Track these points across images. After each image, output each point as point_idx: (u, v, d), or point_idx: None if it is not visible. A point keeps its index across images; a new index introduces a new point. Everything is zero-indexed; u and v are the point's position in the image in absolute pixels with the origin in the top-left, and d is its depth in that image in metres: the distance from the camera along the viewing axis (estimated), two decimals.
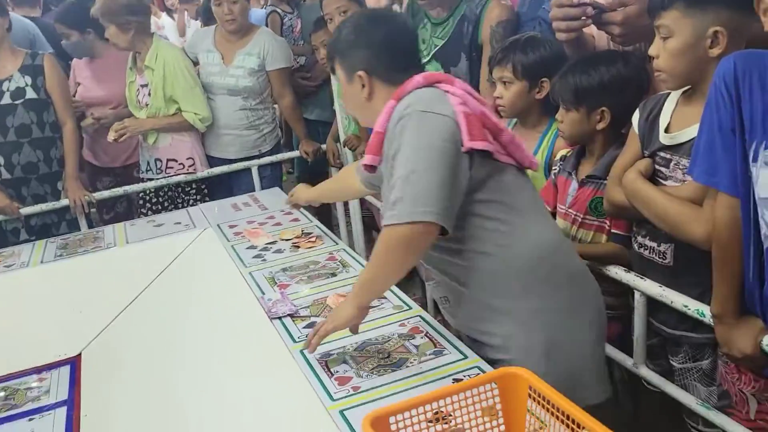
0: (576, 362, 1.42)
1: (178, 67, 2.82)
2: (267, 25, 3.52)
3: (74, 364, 1.83)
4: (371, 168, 1.48)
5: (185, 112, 2.86)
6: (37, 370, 1.81)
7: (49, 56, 2.80)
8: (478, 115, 1.38)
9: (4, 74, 2.68)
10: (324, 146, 3.13)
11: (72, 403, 1.64)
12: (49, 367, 1.82)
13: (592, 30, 1.63)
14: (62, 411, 1.61)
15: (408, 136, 1.33)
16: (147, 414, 1.54)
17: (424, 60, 2.34)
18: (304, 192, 2.13)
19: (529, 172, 1.97)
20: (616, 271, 1.64)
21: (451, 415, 1.10)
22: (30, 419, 1.59)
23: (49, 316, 1.96)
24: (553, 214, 1.86)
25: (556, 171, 1.88)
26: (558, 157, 1.89)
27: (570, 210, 1.79)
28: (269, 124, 3.05)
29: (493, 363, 1.39)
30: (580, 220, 1.76)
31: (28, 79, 2.69)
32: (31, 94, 2.69)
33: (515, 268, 1.40)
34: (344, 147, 2.96)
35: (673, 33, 1.38)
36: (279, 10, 3.65)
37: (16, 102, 2.68)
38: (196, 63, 3.00)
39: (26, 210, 2.68)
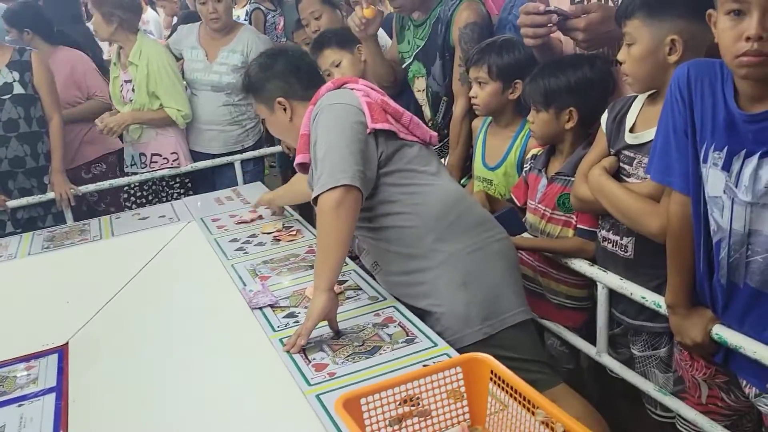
0: (491, 290, 1.62)
1: (161, 64, 2.86)
2: (250, 22, 3.57)
3: (62, 352, 1.88)
4: (304, 167, 1.71)
5: (167, 107, 2.90)
6: (26, 358, 1.87)
7: (36, 52, 2.84)
8: (379, 102, 1.65)
9: None
10: None
11: (60, 389, 1.70)
12: (38, 355, 1.88)
13: (559, 35, 1.71)
14: (51, 397, 1.66)
15: (321, 125, 1.59)
16: (132, 400, 1.60)
17: (408, 61, 2.41)
18: (265, 195, 2.39)
19: (501, 170, 2.06)
20: (581, 265, 1.73)
21: (419, 398, 1.17)
22: (20, 405, 1.64)
23: (37, 306, 2.01)
24: (524, 210, 1.95)
25: (527, 168, 1.96)
26: (530, 155, 1.98)
27: (539, 205, 1.87)
28: (252, 119, 3.10)
29: (424, 314, 1.60)
30: (548, 215, 1.85)
31: (16, 75, 2.73)
32: (18, 89, 2.73)
33: (427, 220, 1.62)
34: None
35: (636, 40, 1.47)
36: (262, 8, 3.71)
37: (4, 97, 2.71)
38: (180, 59, 3.05)
39: (12, 203, 2.72)
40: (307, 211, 3.42)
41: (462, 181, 2.29)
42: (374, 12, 2.29)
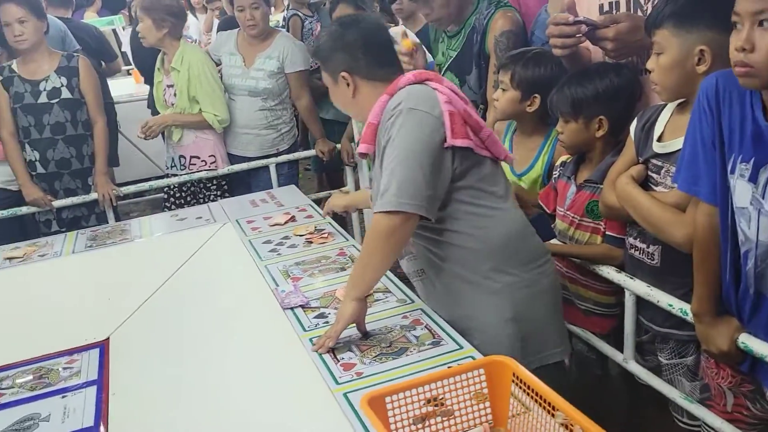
0: (537, 327, 1.60)
1: (201, 70, 2.96)
2: (288, 28, 3.65)
3: (103, 347, 1.96)
4: (365, 155, 1.67)
5: (205, 112, 2.99)
6: (69, 352, 1.95)
7: (83, 58, 2.96)
8: (461, 112, 1.54)
9: (41, 75, 2.84)
10: (339, 146, 3.25)
11: (101, 383, 1.77)
12: (80, 350, 1.96)
13: (588, 44, 1.73)
14: (92, 390, 1.74)
15: (397, 130, 1.49)
16: (168, 394, 1.67)
17: (442, 72, 2.45)
18: (338, 200, 2.26)
19: (528, 177, 2.08)
20: (608, 271, 1.74)
21: (442, 398, 1.21)
22: (63, 396, 1.72)
23: (80, 302, 2.10)
24: (553, 216, 1.97)
25: (556, 176, 1.98)
26: (558, 162, 1.99)
27: (568, 212, 1.89)
28: (287, 123, 3.18)
29: (466, 332, 1.57)
30: (577, 221, 1.86)
31: (64, 80, 2.85)
32: (66, 94, 2.85)
33: (489, 247, 1.58)
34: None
35: (664, 50, 1.48)
36: (300, 14, 3.78)
37: (52, 101, 2.83)
38: (219, 64, 3.14)
39: (58, 203, 2.84)
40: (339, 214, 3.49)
41: None
42: (414, 43, 2.32)
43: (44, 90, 2.84)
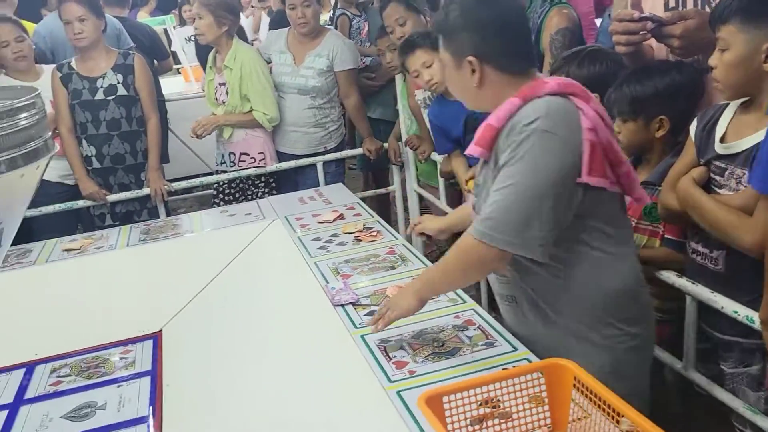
0: (632, 385, 1.42)
1: (253, 69, 2.98)
2: (336, 27, 3.66)
3: (156, 339, 2.00)
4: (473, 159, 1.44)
5: (255, 111, 3.02)
6: (124, 342, 1.99)
7: (139, 56, 3.02)
8: (604, 144, 1.32)
9: (98, 72, 2.91)
10: (386, 145, 3.24)
11: (154, 373, 1.81)
12: (134, 341, 2.00)
13: (651, 41, 1.68)
14: (146, 380, 1.77)
15: (525, 152, 1.27)
16: (220, 386, 1.69)
17: None
18: (433, 223, 1.96)
19: None
20: (669, 276, 1.69)
21: (499, 400, 1.19)
22: (118, 386, 1.76)
23: (134, 294, 2.14)
24: None
25: None
26: None
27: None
28: (335, 122, 3.19)
29: None
30: (634, 224, 1.81)
31: (120, 77, 2.91)
32: (122, 91, 2.91)
33: (602, 296, 1.40)
34: (405, 146, 3.06)
35: (730, 46, 1.42)
36: (348, 13, 3.79)
37: (109, 98, 2.90)
38: (269, 62, 3.16)
39: (113, 197, 2.91)
40: (385, 212, 3.49)
41: None
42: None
43: (101, 87, 2.91)
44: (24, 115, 1.23)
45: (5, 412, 1.66)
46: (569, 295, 1.41)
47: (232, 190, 3.16)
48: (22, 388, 1.78)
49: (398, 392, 1.36)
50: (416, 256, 2.03)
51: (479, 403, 1.17)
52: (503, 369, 1.39)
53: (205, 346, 1.90)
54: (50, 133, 1.32)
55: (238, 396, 1.63)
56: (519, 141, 1.29)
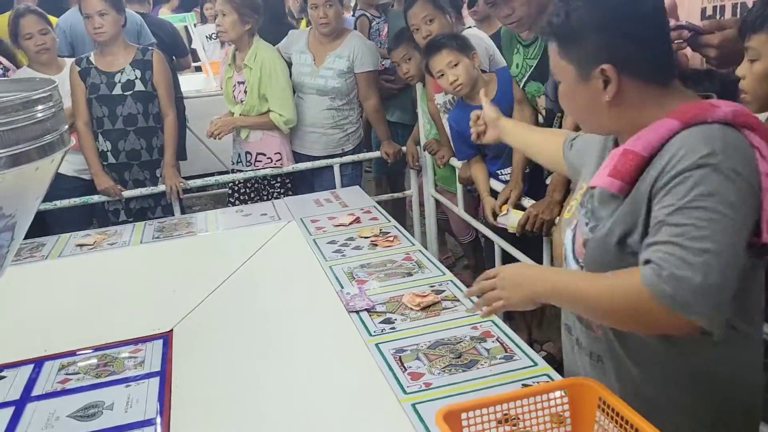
0: None
1: (273, 69, 2.96)
2: (356, 28, 3.63)
3: (166, 338, 1.97)
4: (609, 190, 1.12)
5: (272, 112, 3.00)
6: (134, 341, 1.97)
7: (158, 52, 3.00)
8: None
9: (117, 67, 2.89)
10: (404, 148, 3.20)
11: (164, 374, 1.78)
12: (144, 340, 1.97)
13: (687, 50, 1.63)
14: (155, 381, 1.75)
15: (702, 195, 0.99)
16: (229, 389, 1.66)
17: (521, 84, 2.37)
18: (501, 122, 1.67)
19: None
20: None
21: (519, 418, 1.14)
22: (127, 386, 1.74)
23: (146, 292, 2.12)
24: None
25: None
26: None
27: None
28: (353, 124, 3.15)
29: None
30: None
31: (138, 73, 2.90)
32: (139, 86, 2.90)
33: (711, 396, 1.13)
34: (424, 150, 3.02)
35: (760, 56, 1.36)
36: (368, 14, 3.76)
37: (126, 93, 2.88)
38: (289, 63, 3.14)
39: (128, 193, 2.89)
40: (400, 216, 3.45)
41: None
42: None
43: (119, 82, 2.89)
44: (40, 107, 1.21)
45: (11, 409, 1.64)
46: (674, 387, 1.15)
47: (248, 190, 3.14)
48: (30, 385, 1.75)
49: (413, 405, 1.32)
50: (433, 263, 1.99)
51: (498, 420, 1.13)
52: (523, 385, 1.35)
53: (216, 348, 1.87)
54: (66, 127, 1.30)
55: (247, 401, 1.59)
56: (697, 180, 1.00)
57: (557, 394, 1.14)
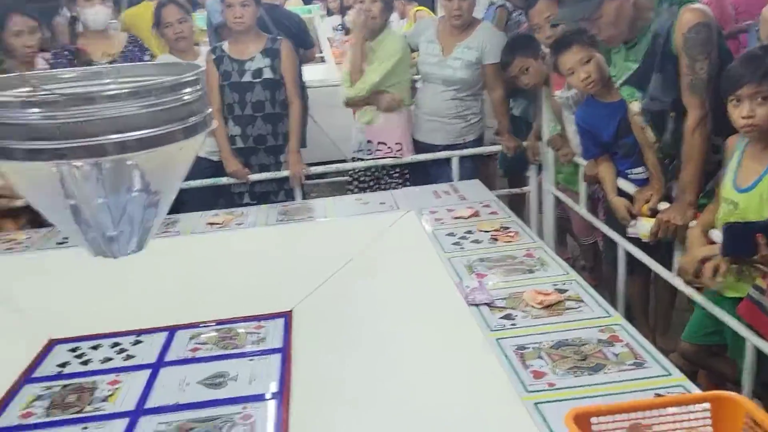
0: None
1: (389, 51, 3.02)
2: (494, 19, 3.58)
3: (287, 317, 2.04)
4: None
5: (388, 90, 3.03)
6: (256, 318, 2.05)
7: (286, 41, 3.10)
8: None
9: (248, 55, 3.02)
10: (525, 143, 3.12)
11: (285, 351, 1.84)
12: (266, 317, 2.05)
13: None
14: (276, 357, 1.81)
15: None
16: (348, 373, 1.69)
17: (617, 85, 2.25)
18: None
19: (753, 193, 1.81)
20: None
21: (651, 429, 1.08)
22: (250, 359, 1.81)
23: (269, 272, 2.19)
24: None
25: None
26: None
27: None
28: (476, 115, 3.11)
29: None
30: None
31: (268, 61, 3.01)
32: (268, 74, 3.00)
33: None
34: (548, 146, 2.93)
35: None
36: (508, 5, 3.68)
37: (255, 81, 3.00)
38: (414, 50, 3.15)
39: (254, 176, 3.01)
40: (517, 212, 3.37)
41: (699, 200, 2.08)
42: None
43: (249, 69, 3.01)
44: (188, 90, 1.27)
45: (149, 371, 1.76)
46: None
47: (367, 179, 3.18)
48: (164, 351, 1.87)
49: (536, 404, 1.28)
50: (556, 262, 1.92)
51: (628, 429, 1.07)
52: (656, 394, 1.27)
53: (334, 331, 1.91)
54: (210, 110, 1.36)
55: (365, 385, 1.61)
56: None
57: (698, 407, 1.06)
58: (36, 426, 1.58)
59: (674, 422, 1.07)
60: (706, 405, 1.06)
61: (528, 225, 3.20)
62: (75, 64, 2.79)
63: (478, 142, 3.15)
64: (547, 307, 1.66)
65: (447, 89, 3.03)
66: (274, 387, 1.66)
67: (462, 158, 3.06)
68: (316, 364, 1.75)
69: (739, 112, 1.75)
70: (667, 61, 2.05)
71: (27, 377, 1.80)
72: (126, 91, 1.19)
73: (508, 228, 2.20)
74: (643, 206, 2.20)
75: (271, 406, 1.59)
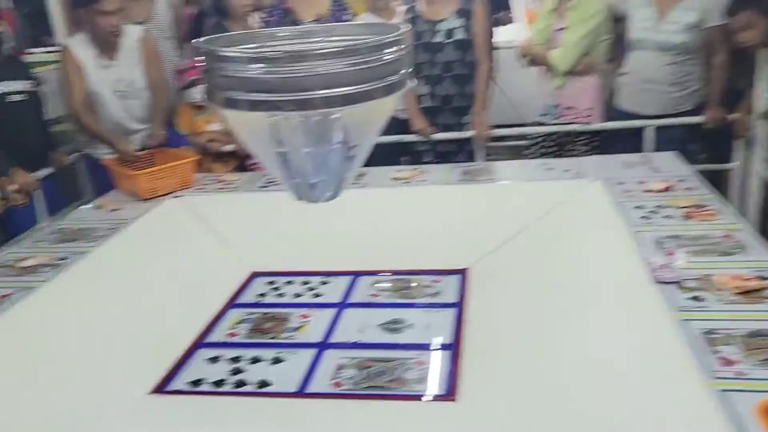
0: None
1: (590, 14, 2.90)
2: None
3: (463, 274, 2.09)
4: None
5: (556, 50, 2.93)
6: (434, 272, 2.13)
7: (480, 2, 3.08)
8: None
9: (441, 16, 3.05)
10: (732, 116, 2.85)
11: (459, 307, 1.90)
12: (443, 272, 2.12)
13: None
14: (451, 312, 1.88)
15: None
16: (520, 335, 1.70)
17: None
18: None
19: None
20: None
21: None
22: (426, 311, 1.90)
23: (448, 229, 2.25)
24: None
25: None
26: None
27: None
28: (696, 81, 2.90)
29: None
30: None
31: (461, 21, 3.02)
32: (459, 35, 3.02)
33: None
34: (762, 119, 2.65)
35: None
36: None
37: (447, 41, 3.04)
38: (620, 18, 2.97)
39: (439, 135, 3.07)
40: (721, 189, 3.10)
41: None
42: None
43: (441, 30, 3.04)
44: (389, 50, 1.33)
45: (334, 310, 1.91)
46: None
47: (551, 144, 3.11)
48: (348, 293, 2.02)
49: (723, 390, 1.21)
50: (762, 247, 1.76)
51: None
52: None
53: (509, 293, 1.93)
54: (410, 69, 1.42)
55: (535, 349, 1.62)
56: None
57: None
58: (240, 345, 1.80)
59: None
60: None
61: (730, 205, 2.96)
62: (285, 23, 3.02)
63: (696, 112, 2.93)
64: (745, 293, 1.54)
65: (664, 54, 2.83)
66: (448, 338, 1.73)
67: (670, 130, 2.87)
68: (489, 320, 1.79)
69: None
70: None
71: (233, 303, 2.04)
72: (335, 50, 1.28)
73: (706, 206, 2.05)
74: None
75: (444, 355, 1.66)
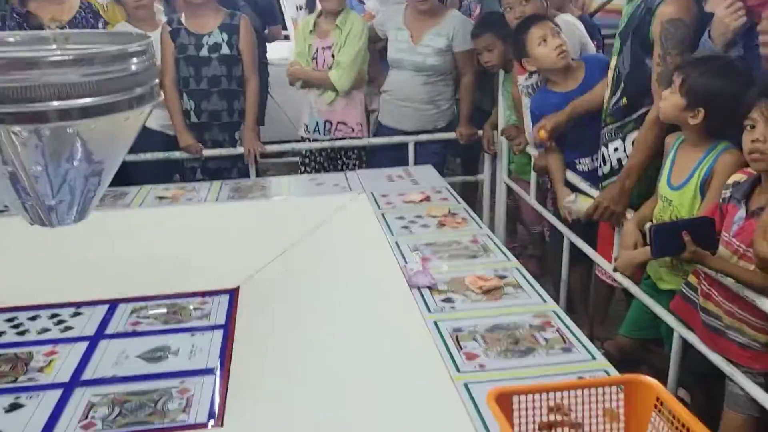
0: None
1: (357, 33, 3.04)
2: (445, 4, 3.60)
3: (233, 294, 2.04)
4: None
5: (333, 71, 3.04)
6: (202, 294, 2.04)
7: (245, 17, 3.07)
8: None
9: (205, 29, 2.98)
10: (480, 132, 3.17)
11: (227, 328, 1.84)
12: (212, 293, 2.04)
13: None
14: (219, 333, 1.81)
15: None
16: (289, 350, 1.70)
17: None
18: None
19: (684, 191, 1.88)
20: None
21: (571, 409, 1.13)
22: (192, 335, 1.81)
23: (217, 248, 2.19)
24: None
25: (725, 197, 1.77)
26: (731, 181, 1.79)
27: (734, 239, 1.69)
28: (448, 100, 3.15)
29: None
30: (742, 251, 1.66)
31: (225, 36, 2.97)
32: (225, 49, 2.97)
33: None
34: (501, 135, 2.98)
35: None
36: None
37: (212, 55, 2.97)
38: (380, 39, 3.15)
39: (207, 152, 2.98)
40: (470, 198, 3.43)
41: None
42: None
43: (206, 44, 2.97)
44: (135, 60, 1.26)
45: (86, 344, 1.74)
46: None
47: (322, 159, 3.18)
48: (104, 324, 1.86)
49: (465, 384, 1.32)
50: (500, 249, 1.97)
51: (550, 408, 1.12)
52: (579, 377, 1.33)
53: (279, 309, 1.92)
54: (157, 81, 1.35)
55: (304, 362, 1.63)
56: None
57: (613, 389, 1.12)
58: None
59: (591, 402, 1.12)
60: (620, 387, 1.11)
61: (480, 212, 3.28)
62: (24, 28, 2.72)
63: (450, 128, 3.17)
64: (487, 292, 1.71)
65: (418, 74, 3.05)
66: (214, 362, 1.67)
67: (431, 144, 3.09)
68: (259, 340, 1.76)
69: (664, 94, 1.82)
70: (636, 38, 2.04)
71: None
72: (69, 58, 1.18)
73: (456, 214, 2.24)
74: (539, 131, 2.35)
75: (210, 380, 1.60)
